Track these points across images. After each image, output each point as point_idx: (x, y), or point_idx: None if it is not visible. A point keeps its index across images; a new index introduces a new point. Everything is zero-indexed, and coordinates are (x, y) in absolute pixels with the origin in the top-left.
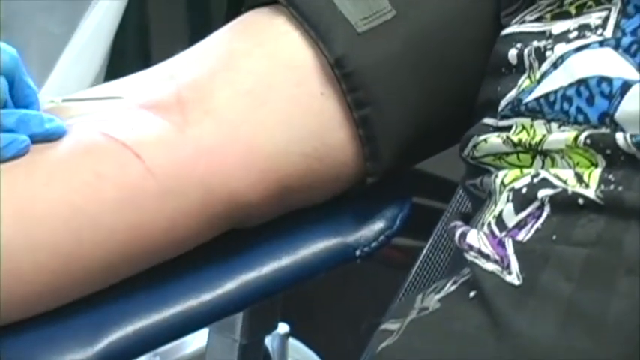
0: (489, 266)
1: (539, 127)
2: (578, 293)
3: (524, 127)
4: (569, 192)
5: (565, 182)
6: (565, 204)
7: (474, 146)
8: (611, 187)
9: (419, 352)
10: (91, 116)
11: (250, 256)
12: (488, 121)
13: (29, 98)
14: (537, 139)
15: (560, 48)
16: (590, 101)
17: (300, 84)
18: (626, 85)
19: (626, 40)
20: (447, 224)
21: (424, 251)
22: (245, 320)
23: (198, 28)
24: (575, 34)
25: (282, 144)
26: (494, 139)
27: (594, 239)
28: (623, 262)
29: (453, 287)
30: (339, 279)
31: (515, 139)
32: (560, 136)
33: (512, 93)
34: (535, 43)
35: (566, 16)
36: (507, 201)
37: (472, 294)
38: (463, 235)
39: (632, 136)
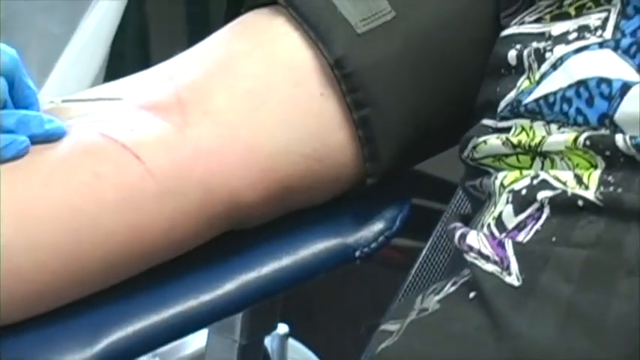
0: (489, 267)
1: (539, 128)
2: (577, 295)
3: (523, 129)
4: (569, 193)
5: (565, 184)
6: (565, 205)
7: (474, 147)
8: (611, 188)
9: (418, 353)
10: (91, 117)
11: (250, 256)
12: (487, 122)
13: (29, 99)
14: (537, 140)
15: (560, 49)
16: (589, 102)
17: (300, 85)
18: (625, 87)
19: (625, 42)
20: (446, 225)
21: (423, 252)
22: (245, 321)
23: (198, 29)
24: (574, 35)
25: (281, 144)
26: (494, 141)
27: (594, 241)
28: (623, 264)
29: (453, 288)
30: (339, 280)
31: (514, 140)
32: (559, 137)
33: (512, 94)
34: (534, 44)
35: (565, 17)
36: (507, 202)
37: (472, 295)
38: (463, 236)
39: (631, 138)
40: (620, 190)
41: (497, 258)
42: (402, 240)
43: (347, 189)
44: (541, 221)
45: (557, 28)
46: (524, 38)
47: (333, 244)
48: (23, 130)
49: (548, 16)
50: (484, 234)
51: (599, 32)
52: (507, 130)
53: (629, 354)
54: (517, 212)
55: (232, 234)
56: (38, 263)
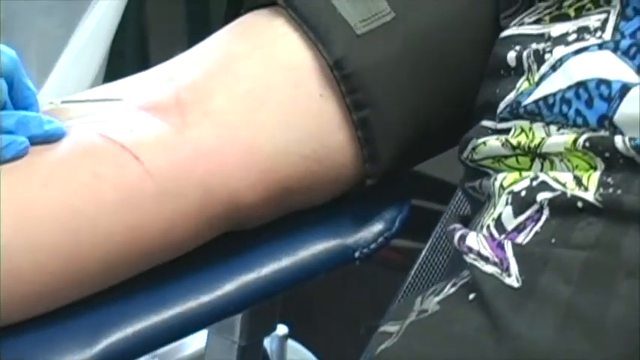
0: (489, 269)
1: (538, 129)
2: (577, 296)
3: (523, 130)
4: (568, 195)
5: (564, 185)
6: (564, 207)
7: (473, 149)
8: (610, 190)
9: (418, 354)
10: (90, 118)
11: (249, 257)
12: (486, 123)
13: (28, 100)
14: (536, 141)
15: (559, 50)
16: (589, 104)
17: (299, 85)
18: (625, 88)
19: (625, 43)
20: (445, 226)
21: (423, 253)
22: (244, 322)
23: (197, 29)
24: (574, 36)
25: (281, 145)
26: (493, 142)
27: (593, 242)
28: (622, 265)
29: (453, 290)
30: (338, 280)
31: (514, 141)
32: (559, 138)
33: (511, 95)
34: (534, 46)
35: (565, 18)
36: (506, 204)
37: (471, 296)
38: (462, 237)
39: (631, 139)
40: (619, 191)
41: (496, 259)
42: (401, 241)
43: (346, 190)
44: (540, 223)
45: (556, 30)
46: (524, 39)
47: (333, 245)
48: (23, 130)
49: (547, 17)
50: (484, 235)
51: (598, 33)
52: (507, 131)
53: (628, 355)
54: (516, 214)
55: (232, 235)
56: (37, 264)
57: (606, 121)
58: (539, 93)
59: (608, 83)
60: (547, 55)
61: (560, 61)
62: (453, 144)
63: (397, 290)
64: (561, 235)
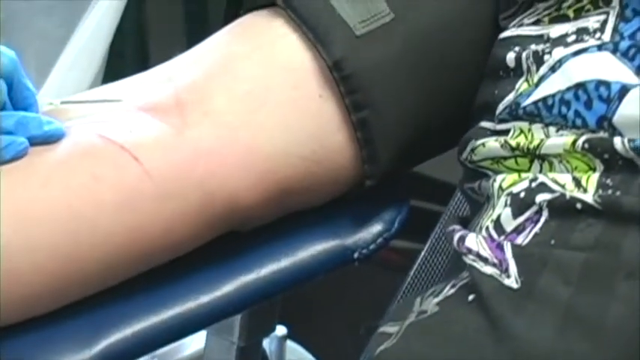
0: (488, 270)
1: (537, 131)
2: (576, 297)
3: (522, 131)
4: (567, 196)
5: (563, 187)
6: (563, 208)
7: (472, 150)
8: (609, 191)
9: (417, 355)
10: (90, 118)
11: (249, 258)
12: (485, 124)
13: (28, 100)
14: (535, 143)
15: (559, 52)
16: (588, 105)
17: (298, 86)
18: (624, 89)
19: (624, 44)
20: (444, 227)
21: (422, 254)
22: (243, 322)
23: (196, 31)
24: (573, 37)
25: (280, 146)
26: (492, 143)
27: (592, 244)
28: (622, 266)
29: (452, 291)
30: (337, 281)
31: (513, 142)
32: (558, 140)
33: (510, 97)
34: (533, 47)
35: (564, 19)
36: (505, 205)
37: (471, 297)
38: (462, 238)
39: (630, 141)
40: (618, 193)
41: (495, 260)
42: (400, 242)
43: (346, 191)
44: (540, 224)
45: (555, 31)
46: (523, 40)
47: (332, 245)
48: (22, 131)
49: (546, 19)
50: (483, 236)
51: (597, 35)
52: (506, 132)
53: (628, 356)
54: (516, 215)
55: (231, 235)
56: (37, 264)
57: (605, 122)
58: (538, 94)
59: (607, 84)
60: (546, 57)
61: (560, 63)
62: (453, 145)
63: (396, 291)
64: (560, 236)
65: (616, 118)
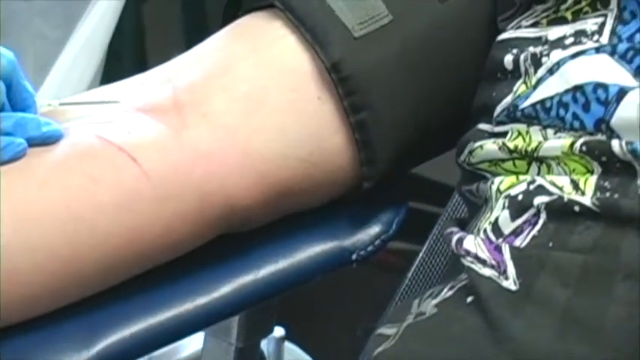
0: (486, 271)
1: (535, 133)
2: (574, 299)
3: (520, 133)
4: (565, 199)
5: (561, 189)
6: (561, 211)
7: (470, 152)
8: (607, 194)
9: (415, 357)
10: (88, 119)
11: (246, 259)
12: (483, 126)
13: (26, 102)
14: (533, 145)
15: (557, 54)
16: (586, 108)
17: (297, 88)
18: (622, 92)
19: (622, 47)
20: (442, 229)
21: (420, 255)
22: (241, 324)
23: (195, 32)
24: (571, 40)
25: (278, 148)
26: (490, 146)
27: (591, 246)
28: (620, 268)
29: (450, 292)
30: (335, 282)
31: (511, 145)
32: (556, 142)
33: (508, 99)
34: (531, 49)
35: (562, 21)
36: (503, 208)
37: (469, 299)
38: (460, 240)
39: (627, 143)
40: (616, 195)
41: (494, 262)
42: (398, 243)
43: (344, 192)
44: (538, 226)
45: (553, 33)
46: (521, 43)
47: (330, 247)
48: (21, 132)
49: (544, 21)
50: (481, 238)
51: (595, 37)
52: (504, 134)
53: (628, 357)
54: (513, 217)
55: (229, 237)
56: (36, 264)
57: (603, 125)
58: (536, 96)
59: (605, 87)
60: (544, 59)
61: (558, 65)
62: (451, 146)
63: (394, 292)
64: (559, 238)
65: (614, 121)
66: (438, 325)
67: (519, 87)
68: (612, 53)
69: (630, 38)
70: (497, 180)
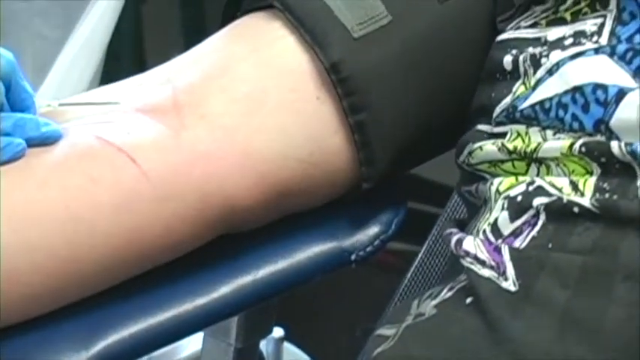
0: (485, 272)
1: (535, 134)
2: (574, 300)
3: (519, 134)
4: (565, 200)
5: (560, 190)
6: (560, 212)
7: (470, 153)
8: (607, 195)
9: (415, 358)
10: (87, 120)
11: (246, 260)
12: (482, 127)
13: (26, 102)
14: (532, 146)
15: (556, 55)
16: (585, 109)
17: (296, 89)
18: (621, 93)
19: (621, 48)
20: (442, 229)
21: (419, 256)
22: (240, 324)
23: (193, 33)
24: (570, 40)
25: (277, 148)
26: (490, 147)
27: (590, 247)
28: (620, 269)
29: (450, 293)
30: (335, 283)
31: (510, 146)
32: (555, 143)
33: (507, 100)
34: (530, 50)
35: (561, 22)
36: (502, 209)
37: (469, 300)
38: (459, 241)
39: (627, 144)
40: (615, 197)
41: (493, 263)
42: (397, 244)
43: (343, 193)
44: (537, 228)
45: (553, 34)
46: (520, 43)
47: (329, 247)
48: (20, 132)
49: (544, 21)
50: (480, 239)
51: (595, 38)
52: (503, 135)
53: (627, 358)
54: (513, 219)
55: (228, 237)
56: (35, 264)
57: (602, 125)
58: (535, 97)
59: (604, 88)
60: (543, 60)
61: (557, 66)
62: (450, 147)
63: (393, 293)
64: (558, 239)
65: (613, 122)
66: (437, 325)
67: (518, 88)
68: (611, 54)
69: (629, 39)
70: (496, 181)
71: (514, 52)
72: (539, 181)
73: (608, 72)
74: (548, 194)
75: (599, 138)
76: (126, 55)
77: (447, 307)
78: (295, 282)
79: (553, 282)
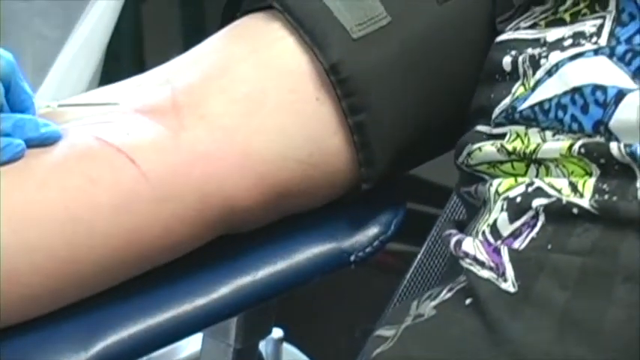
0: (484, 273)
1: (534, 135)
2: (573, 302)
3: (518, 135)
4: (564, 201)
5: (559, 191)
6: (559, 213)
7: (469, 154)
8: (606, 196)
9: (414, 358)
10: (87, 120)
11: (245, 260)
12: (481, 128)
13: (25, 103)
14: (532, 147)
15: (555, 56)
16: (584, 110)
17: (295, 90)
18: (620, 94)
19: (620, 49)
20: (441, 230)
21: (418, 257)
22: (239, 325)
23: (193, 33)
24: (569, 41)
25: (277, 149)
26: (489, 148)
27: (589, 248)
28: (619, 270)
29: (449, 294)
30: (334, 284)
31: (509, 147)
32: (554, 144)
33: (507, 100)
34: (530, 51)
35: (560, 23)
36: (502, 210)
37: (468, 301)
38: (458, 242)
39: (626, 146)
40: (615, 198)
41: (492, 264)
42: (397, 244)
43: (342, 194)
44: (536, 229)
45: (552, 35)
46: (519, 44)
47: (328, 248)
48: (19, 133)
49: (543, 22)
50: (480, 240)
51: (594, 39)
52: (502, 136)
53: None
54: (512, 220)
55: (227, 238)
56: (36, 265)
57: (602, 127)
58: (534, 98)
59: (603, 89)
60: (543, 61)
61: (556, 67)
62: (449, 148)
63: (393, 293)
64: (557, 241)
65: (612, 123)
66: (436, 326)
67: (518, 89)
68: (611, 55)
69: (629, 40)
70: (495, 182)
71: (513, 53)
72: (538, 182)
73: (607, 73)
74: (548, 195)
75: (599, 139)
76: (125, 55)
77: (446, 308)
78: (294, 283)
79: (552, 283)
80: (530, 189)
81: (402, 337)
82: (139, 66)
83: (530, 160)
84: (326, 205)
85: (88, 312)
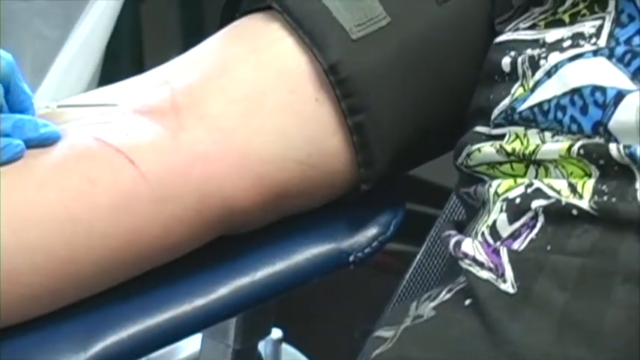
0: (484, 274)
1: (533, 136)
2: (572, 303)
3: (517, 136)
4: (563, 203)
5: (559, 192)
6: (559, 214)
7: (468, 155)
8: (605, 197)
9: (413, 359)
10: (86, 121)
11: (244, 261)
12: (480, 129)
13: (24, 103)
14: (531, 148)
15: (554, 57)
16: (583, 111)
17: (294, 90)
18: (619, 95)
19: (620, 50)
20: (440, 231)
21: (418, 257)
22: (239, 325)
23: (192, 34)
24: (569, 42)
25: (276, 150)
26: (488, 149)
27: (589, 249)
28: (618, 271)
29: (448, 295)
30: (333, 284)
31: (508, 148)
32: (553, 146)
33: (506, 101)
34: (529, 51)
35: (560, 24)
36: (501, 211)
37: (467, 302)
38: (458, 243)
39: (625, 147)
40: (614, 199)
41: (492, 265)
42: (396, 245)
43: (341, 194)
44: (536, 230)
45: (551, 35)
46: (519, 45)
47: (327, 249)
48: (19, 134)
49: (542, 23)
50: (479, 241)
51: (593, 40)
52: (501, 137)
53: None
54: (511, 221)
55: (226, 239)
56: (34, 265)
57: (601, 128)
58: (534, 99)
59: (603, 90)
60: (542, 61)
61: (556, 68)
62: (448, 149)
63: (392, 294)
64: (557, 242)
65: (611, 124)
66: (435, 327)
67: (517, 89)
68: (610, 56)
69: (628, 41)
70: (494, 183)
71: (512, 53)
72: (537, 184)
73: (606, 74)
74: (547, 196)
75: (598, 140)
76: (125, 56)
77: (445, 309)
78: (293, 283)
79: (552, 284)
80: (529, 190)
81: (401, 337)
82: (138, 66)
83: (530, 161)
84: (325, 205)
85: (87, 312)
